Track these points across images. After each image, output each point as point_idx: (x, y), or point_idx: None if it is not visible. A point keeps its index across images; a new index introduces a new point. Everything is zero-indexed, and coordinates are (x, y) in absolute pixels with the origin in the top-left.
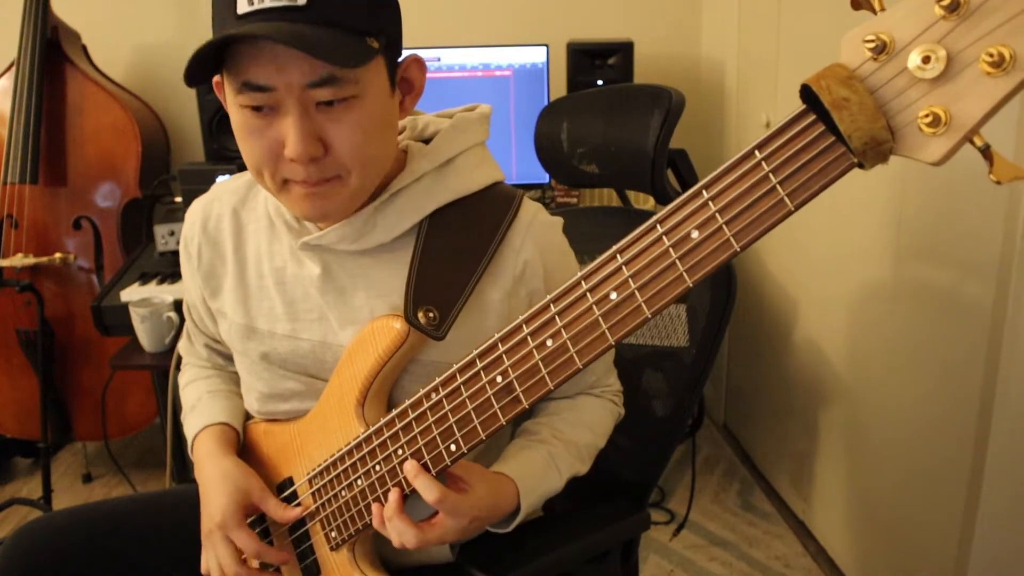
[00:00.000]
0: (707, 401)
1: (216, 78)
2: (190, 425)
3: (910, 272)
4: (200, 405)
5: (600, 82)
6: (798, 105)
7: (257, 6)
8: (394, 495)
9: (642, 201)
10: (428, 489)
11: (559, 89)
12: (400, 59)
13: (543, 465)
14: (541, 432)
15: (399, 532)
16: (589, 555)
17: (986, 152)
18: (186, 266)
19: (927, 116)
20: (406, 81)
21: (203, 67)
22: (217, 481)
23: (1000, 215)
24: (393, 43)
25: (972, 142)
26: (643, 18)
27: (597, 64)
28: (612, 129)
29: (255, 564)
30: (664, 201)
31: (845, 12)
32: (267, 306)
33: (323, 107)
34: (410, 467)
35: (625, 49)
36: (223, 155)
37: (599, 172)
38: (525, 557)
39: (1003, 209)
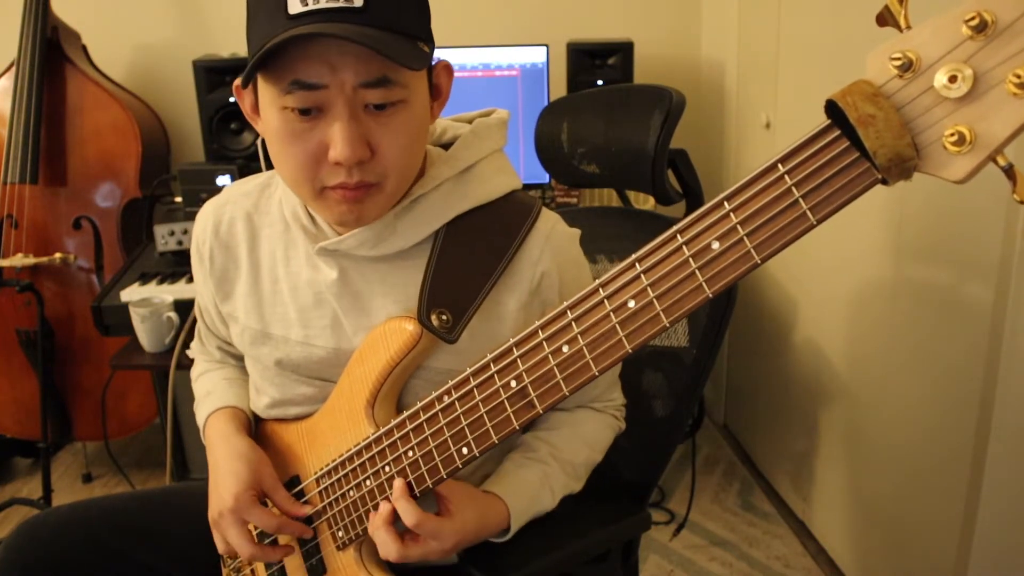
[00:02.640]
0: (707, 401)
1: (237, 82)
2: (202, 410)
3: (910, 272)
4: (215, 391)
5: (600, 82)
6: (798, 106)
7: (312, 6)
8: (384, 508)
9: (642, 201)
10: (407, 513)
11: (559, 89)
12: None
13: (536, 486)
14: (539, 450)
15: (383, 542)
16: (589, 555)
17: (1009, 171)
18: (198, 268)
19: (952, 135)
20: (435, 87)
21: (259, 65)
22: (229, 461)
23: (1000, 215)
24: (433, 49)
25: (995, 161)
26: (643, 18)
27: (597, 64)
28: (612, 129)
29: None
30: (665, 202)
31: (845, 13)
32: (281, 312)
33: (371, 111)
34: (397, 486)
35: (625, 49)
36: (223, 155)
37: (599, 172)
38: (525, 557)
39: (1003, 209)
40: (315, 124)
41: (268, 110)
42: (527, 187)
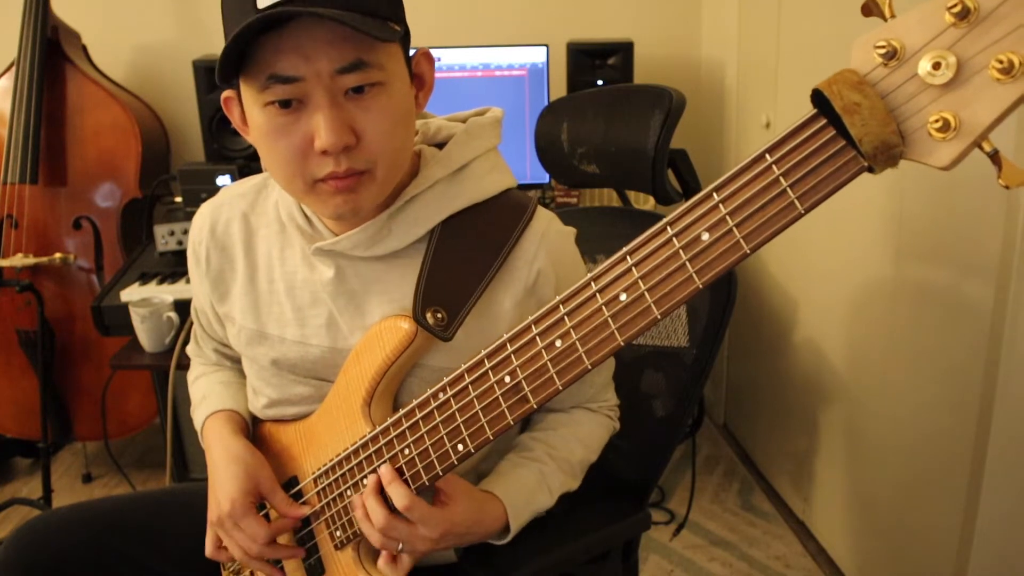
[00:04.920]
0: (707, 401)
1: (226, 94)
2: (199, 414)
3: (910, 273)
4: (212, 395)
5: (600, 82)
6: (798, 106)
7: None
8: (373, 478)
9: (642, 201)
10: (399, 496)
11: (559, 89)
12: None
13: (534, 485)
14: (535, 449)
15: (372, 509)
16: (589, 555)
17: (994, 157)
18: (194, 270)
19: (937, 121)
20: (418, 77)
21: (233, 62)
22: (226, 464)
23: (1000, 215)
24: (407, 34)
25: (981, 147)
26: (643, 18)
27: (597, 64)
28: (612, 129)
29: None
30: (665, 201)
31: (845, 13)
32: (277, 311)
33: (352, 96)
34: (385, 471)
35: (625, 49)
36: (223, 155)
37: (599, 172)
38: (526, 557)
39: (1003, 209)
40: (298, 117)
41: (252, 111)
42: (528, 187)
